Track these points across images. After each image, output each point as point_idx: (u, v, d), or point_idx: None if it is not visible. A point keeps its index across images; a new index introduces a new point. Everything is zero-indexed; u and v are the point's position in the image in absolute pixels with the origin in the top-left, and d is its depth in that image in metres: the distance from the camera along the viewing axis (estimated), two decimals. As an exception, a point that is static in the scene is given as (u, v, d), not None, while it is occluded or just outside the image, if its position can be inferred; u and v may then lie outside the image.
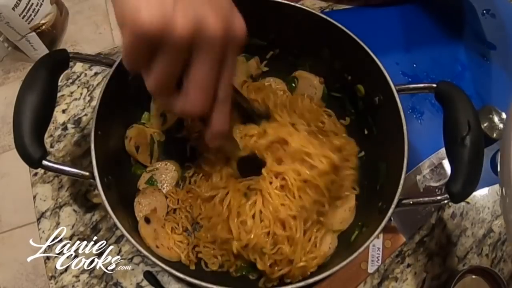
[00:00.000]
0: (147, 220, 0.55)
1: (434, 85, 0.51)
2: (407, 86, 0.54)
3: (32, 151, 0.45)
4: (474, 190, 0.48)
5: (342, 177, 0.57)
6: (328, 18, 0.56)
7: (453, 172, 0.48)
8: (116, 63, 0.53)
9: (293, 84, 0.67)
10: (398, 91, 0.53)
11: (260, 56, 0.66)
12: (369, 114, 0.60)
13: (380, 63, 0.54)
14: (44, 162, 0.46)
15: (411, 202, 0.49)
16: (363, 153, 0.62)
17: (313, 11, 0.57)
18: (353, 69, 0.60)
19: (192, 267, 0.56)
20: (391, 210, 0.48)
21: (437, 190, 0.66)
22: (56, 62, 0.51)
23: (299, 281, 0.49)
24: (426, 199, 0.50)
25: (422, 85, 0.53)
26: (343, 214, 0.58)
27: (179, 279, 0.59)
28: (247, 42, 0.38)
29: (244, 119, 0.55)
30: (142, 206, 0.57)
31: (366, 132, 0.62)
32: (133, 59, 0.34)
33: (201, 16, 0.32)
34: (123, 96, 0.54)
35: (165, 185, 0.62)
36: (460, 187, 0.47)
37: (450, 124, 0.50)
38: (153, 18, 0.30)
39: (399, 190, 0.48)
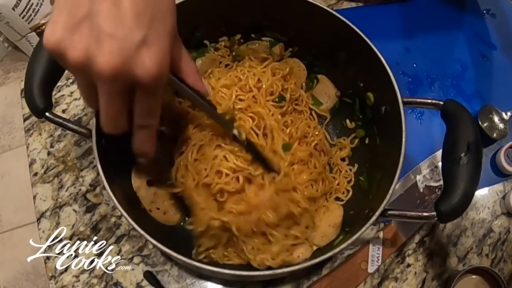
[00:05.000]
0: (150, 183, 0.57)
1: (441, 102, 0.51)
2: (414, 99, 0.53)
3: (38, 101, 0.47)
4: (462, 212, 0.47)
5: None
6: (348, 23, 0.56)
7: (444, 191, 0.47)
8: None
9: (311, 83, 0.67)
10: (405, 103, 0.52)
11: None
12: (375, 124, 0.60)
13: (392, 74, 0.53)
14: (47, 114, 0.48)
15: (396, 214, 0.49)
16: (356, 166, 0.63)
17: (333, 12, 0.57)
18: (366, 76, 0.60)
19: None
20: (374, 218, 0.47)
21: (437, 190, 0.66)
22: None
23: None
24: (413, 213, 0.48)
25: (429, 100, 0.53)
26: (327, 229, 0.58)
27: (178, 279, 0.59)
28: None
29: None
30: (141, 172, 0.58)
31: (367, 141, 0.63)
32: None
33: (92, 49, 0.32)
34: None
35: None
36: (448, 207, 0.45)
37: (449, 142, 0.49)
38: (49, 39, 0.33)
39: (387, 199, 0.48)
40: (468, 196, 0.46)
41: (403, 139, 0.51)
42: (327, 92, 0.67)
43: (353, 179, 0.62)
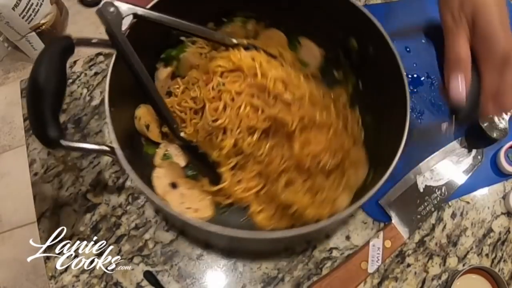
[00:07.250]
0: (174, 185, 0.58)
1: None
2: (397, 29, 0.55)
3: (50, 132, 0.44)
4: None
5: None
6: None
7: None
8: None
9: (295, 44, 0.68)
10: (390, 35, 0.53)
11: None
12: (366, 68, 0.61)
13: (368, 12, 0.54)
14: (63, 142, 0.45)
15: None
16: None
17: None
18: (343, 23, 0.60)
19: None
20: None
21: (436, 190, 0.66)
22: (62, 49, 0.50)
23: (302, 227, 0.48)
24: None
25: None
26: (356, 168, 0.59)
27: (178, 279, 0.59)
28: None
29: None
30: (161, 178, 0.58)
31: (361, 87, 0.63)
32: None
33: None
34: (130, 78, 0.53)
35: (181, 158, 0.62)
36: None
37: None
38: None
39: (399, 152, 0.49)
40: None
41: (401, 69, 0.52)
42: (311, 53, 0.67)
43: (360, 121, 0.63)
